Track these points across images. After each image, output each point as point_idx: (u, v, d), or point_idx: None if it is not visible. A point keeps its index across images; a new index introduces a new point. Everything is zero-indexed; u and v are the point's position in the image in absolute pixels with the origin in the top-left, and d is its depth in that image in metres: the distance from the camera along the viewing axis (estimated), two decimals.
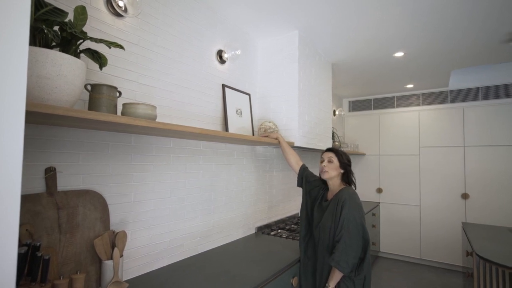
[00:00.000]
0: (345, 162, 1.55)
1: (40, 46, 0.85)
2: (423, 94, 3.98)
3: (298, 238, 1.81)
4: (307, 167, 1.82)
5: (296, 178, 1.84)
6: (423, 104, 3.97)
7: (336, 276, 1.36)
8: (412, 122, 4.02)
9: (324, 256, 1.47)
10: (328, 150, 1.62)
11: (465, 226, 2.55)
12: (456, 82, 3.72)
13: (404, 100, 4.12)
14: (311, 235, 1.64)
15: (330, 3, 1.78)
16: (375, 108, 4.35)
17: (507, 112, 3.41)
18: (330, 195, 1.58)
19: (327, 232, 1.45)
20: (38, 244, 0.82)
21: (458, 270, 3.59)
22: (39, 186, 1.02)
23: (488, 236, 2.20)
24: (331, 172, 1.53)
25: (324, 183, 1.65)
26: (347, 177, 1.55)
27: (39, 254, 0.80)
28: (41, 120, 0.94)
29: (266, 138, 1.86)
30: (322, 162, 1.59)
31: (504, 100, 3.45)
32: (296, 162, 1.84)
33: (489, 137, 3.49)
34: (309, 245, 1.65)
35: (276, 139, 1.91)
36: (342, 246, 1.33)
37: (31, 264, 0.79)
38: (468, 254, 2.18)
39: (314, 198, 1.66)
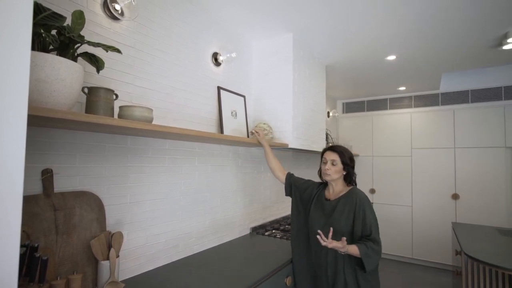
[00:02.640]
0: (347, 163, 1.51)
1: (38, 50, 0.87)
2: (415, 97, 4.06)
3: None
4: (292, 174, 1.78)
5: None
6: (415, 106, 4.05)
7: (354, 253, 1.31)
8: (404, 123, 4.09)
9: (332, 261, 1.43)
10: (331, 149, 1.55)
11: (455, 226, 2.62)
12: (447, 85, 3.80)
13: (397, 102, 4.19)
14: (307, 241, 1.58)
15: (324, 7, 1.82)
16: (368, 110, 4.41)
17: (495, 115, 3.50)
18: (331, 195, 1.54)
19: (338, 235, 1.38)
20: (36, 245, 0.83)
21: (448, 269, 3.66)
22: (36, 188, 1.03)
23: (477, 236, 2.26)
24: (334, 175, 1.50)
25: (319, 182, 1.64)
26: (349, 177, 1.53)
27: (38, 255, 0.81)
28: (38, 123, 0.95)
29: (259, 140, 1.85)
30: (325, 163, 1.54)
31: (493, 103, 3.54)
32: (280, 171, 1.80)
33: (479, 139, 3.58)
34: (302, 250, 1.60)
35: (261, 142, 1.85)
36: (377, 249, 1.33)
37: (30, 264, 0.81)
38: (457, 253, 2.24)
39: (308, 200, 1.62)
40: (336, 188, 1.54)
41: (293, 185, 1.72)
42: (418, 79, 3.44)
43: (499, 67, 3.35)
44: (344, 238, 1.30)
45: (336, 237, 1.36)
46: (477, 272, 1.79)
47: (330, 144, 3.50)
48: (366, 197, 1.46)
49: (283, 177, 1.78)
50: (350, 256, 1.39)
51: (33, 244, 0.82)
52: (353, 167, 1.54)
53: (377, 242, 1.35)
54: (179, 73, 1.66)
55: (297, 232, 1.65)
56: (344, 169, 1.51)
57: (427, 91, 3.95)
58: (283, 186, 1.79)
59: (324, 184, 1.63)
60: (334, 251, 1.40)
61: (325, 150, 1.59)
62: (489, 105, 3.56)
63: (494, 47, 2.47)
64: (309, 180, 1.72)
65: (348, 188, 1.52)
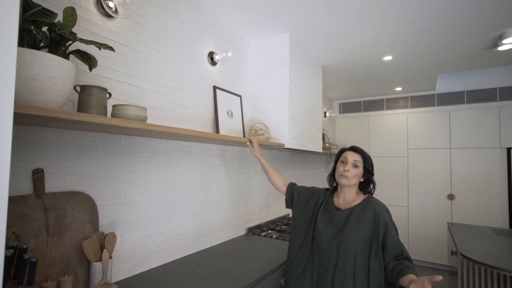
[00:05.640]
0: (369, 170, 1.30)
1: (28, 47, 0.85)
2: (411, 97, 4.07)
3: (287, 257, 1.44)
4: (294, 183, 1.61)
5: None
6: (411, 107, 4.06)
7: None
8: (400, 124, 4.10)
9: (339, 285, 1.18)
10: (353, 150, 1.33)
11: (451, 226, 2.62)
12: (443, 85, 3.82)
13: (393, 103, 4.21)
14: (308, 258, 1.31)
15: (321, 8, 1.81)
16: (365, 110, 4.42)
17: (491, 115, 3.52)
18: (342, 203, 1.33)
19: (351, 252, 1.18)
20: (25, 246, 0.81)
21: (444, 269, 3.68)
22: (27, 188, 1.01)
23: (472, 236, 2.26)
24: (353, 179, 1.28)
25: (326, 188, 1.46)
26: (366, 186, 1.33)
27: (26, 257, 0.79)
28: (28, 121, 0.93)
29: (256, 140, 1.85)
30: (344, 163, 1.31)
31: (488, 103, 3.56)
32: (283, 184, 1.61)
33: (474, 139, 3.60)
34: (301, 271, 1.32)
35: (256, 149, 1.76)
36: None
37: (18, 266, 0.79)
38: (452, 253, 2.24)
39: (313, 209, 1.39)
40: (349, 196, 1.32)
41: (294, 196, 1.51)
42: (414, 80, 3.45)
43: (495, 68, 3.37)
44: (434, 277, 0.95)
45: (348, 255, 1.18)
46: (473, 272, 1.79)
47: (327, 145, 3.52)
48: (386, 208, 1.25)
49: (284, 189, 1.59)
50: (363, 280, 1.16)
51: (21, 245, 0.80)
52: (373, 176, 1.33)
53: (412, 260, 1.15)
54: (174, 72, 1.65)
55: (298, 250, 1.35)
56: (363, 175, 1.30)
57: (423, 91, 3.97)
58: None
59: (332, 190, 1.42)
60: (343, 273, 1.18)
61: (343, 150, 1.37)
62: (484, 106, 3.58)
63: (489, 48, 2.48)
64: (313, 187, 1.52)
65: (362, 197, 1.31)
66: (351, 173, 1.27)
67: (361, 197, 1.31)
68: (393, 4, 1.77)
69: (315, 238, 1.30)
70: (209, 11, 1.87)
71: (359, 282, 1.16)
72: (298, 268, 1.33)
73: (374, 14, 1.89)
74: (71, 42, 0.94)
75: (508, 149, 3.42)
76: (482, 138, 3.55)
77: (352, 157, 1.31)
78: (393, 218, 1.26)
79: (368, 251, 1.18)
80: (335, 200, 1.36)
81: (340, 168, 1.32)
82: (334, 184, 1.42)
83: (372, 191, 1.36)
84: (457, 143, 3.70)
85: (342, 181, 1.29)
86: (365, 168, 1.30)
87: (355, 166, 1.29)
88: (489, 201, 3.47)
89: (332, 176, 1.42)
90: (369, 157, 1.33)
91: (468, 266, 1.82)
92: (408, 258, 1.14)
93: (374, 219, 1.20)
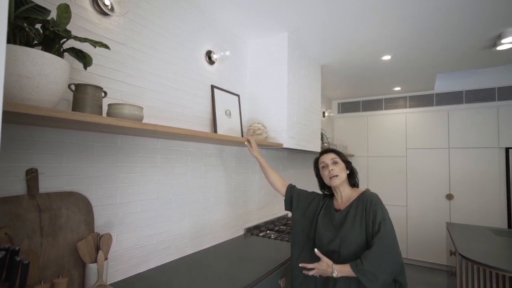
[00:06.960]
0: (348, 161, 1.39)
1: (21, 44, 0.83)
2: (410, 97, 4.07)
3: (290, 258, 1.49)
4: (294, 185, 1.62)
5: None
6: (410, 107, 4.06)
7: (347, 272, 1.12)
8: (399, 124, 4.10)
9: (347, 277, 1.18)
10: (326, 152, 1.40)
11: (449, 226, 2.62)
12: (442, 85, 3.82)
13: (392, 103, 4.20)
14: (310, 262, 1.31)
15: (321, 8, 1.80)
16: (363, 110, 4.41)
17: (489, 115, 3.52)
18: (341, 204, 1.35)
19: (353, 247, 1.20)
20: (17, 248, 0.79)
21: (443, 269, 3.68)
22: (20, 188, 0.99)
23: (471, 236, 2.26)
24: (342, 175, 1.32)
25: (324, 193, 1.48)
26: (353, 177, 1.38)
27: (18, 259, 0.78)
28: (22, 120, 0.92)
29: (254, 139, 1.83)
30: (325, 167, 1.37)
31: (487, 103, 3.56)
32: (281, 184, 1.63)
33: (473, 139, 3.60)
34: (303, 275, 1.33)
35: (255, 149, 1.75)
36: (372, 255, 1.10)
37: (10, 269, 0.77)
38: (451, 253, 2.24)
39: (314, 212, 1.42)
40: (344, 194, 1.36)
41: (294, 199, 1.53)
42: (413, 80, 3.45)
43: (493, 68, 3.37)
44: (326, 259, 1.12)
45: (350, 251, 1.19)
46: (472, 272, 1.79)
47: (326, 144, 3.51)
48: (379, 198, 1.27)
49: (283, 190, 1.61)
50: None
51: (13, 247, 0.79)
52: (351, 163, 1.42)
53: (387, 244, 1.11)
54: (172, 71, 1.63)
55: (300, 253, 1.39)
56: (346, 167, 1.37)
57: (422, 91, 3.97)
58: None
59: (330, 195, 1.44)
60: (344, 276, 1.16)
61: (317, 159, 1.45)
62: (483, 106, 3.58)
63: (488, 48, 2.48)
64: (313, 192, 1.54)
65: (358, 193, 1.33)
66: (336, 170, 1.33)
67: (356, 193, 1.34)
68: (393, 4, 1.76)
69: (317, 239, 1.34)
70: (208, 10, 1.85)
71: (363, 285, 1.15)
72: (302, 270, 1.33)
73: (374, 14, 1.88)
74: (65, 39, 0.92)
75: (507, 149, 3.42)
76: (481, 138, 3.55)
77: (328, 157, 1.38)
78: (391, 218, 1.25)
79: (366, 243, 1.20)
80: (335, 202, 1.40)
81: (325, 172, 1.37)
82: (328, 192, 1.47)
83: (357, 180, 1.41)
84: (455, 143, 3.70)
85: (335, 182, 1.33)
86: (343, 160, 1.37)
87: (335, 163, 1.35)
88: (487, 201, 3.47)
89: (322, 186, 1.48)
90: (341, 152, 1.42)
91: (467, 266, 1.81)
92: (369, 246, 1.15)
93: (366, 209, 1.23)
